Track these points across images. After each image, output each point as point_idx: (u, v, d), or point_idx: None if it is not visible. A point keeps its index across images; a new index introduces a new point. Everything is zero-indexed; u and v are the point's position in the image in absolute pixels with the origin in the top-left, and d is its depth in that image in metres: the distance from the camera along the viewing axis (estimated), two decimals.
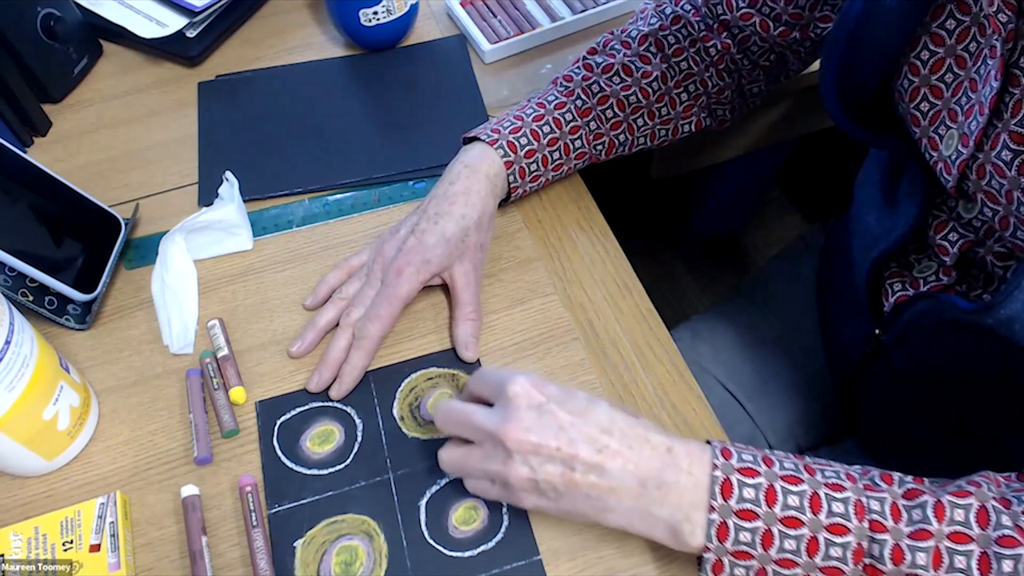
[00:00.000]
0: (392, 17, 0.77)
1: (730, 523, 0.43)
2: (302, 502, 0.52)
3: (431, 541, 0.51)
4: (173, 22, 0.78)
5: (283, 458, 0.54)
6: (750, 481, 0.43)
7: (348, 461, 0.54)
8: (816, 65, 0.69)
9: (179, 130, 0.75)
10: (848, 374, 0.67)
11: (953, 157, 0.47)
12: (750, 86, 0.67)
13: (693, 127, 0.68)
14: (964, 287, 0.54)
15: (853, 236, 0.64)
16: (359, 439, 0.55)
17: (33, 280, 0.58)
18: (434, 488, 0.53)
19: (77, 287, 0.58)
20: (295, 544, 0.51)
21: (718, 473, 0.43)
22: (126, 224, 0.65)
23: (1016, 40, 0.42)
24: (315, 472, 0.54)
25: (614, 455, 0.44)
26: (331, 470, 0.54)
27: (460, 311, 0.59)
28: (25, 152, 0.65)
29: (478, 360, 0.59)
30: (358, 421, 0.56)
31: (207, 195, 0.69)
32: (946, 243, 0.53)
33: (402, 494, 0.52)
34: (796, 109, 0.91)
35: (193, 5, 0.78)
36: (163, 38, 0.77)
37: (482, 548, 0.50)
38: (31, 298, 0.58)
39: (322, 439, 0.55)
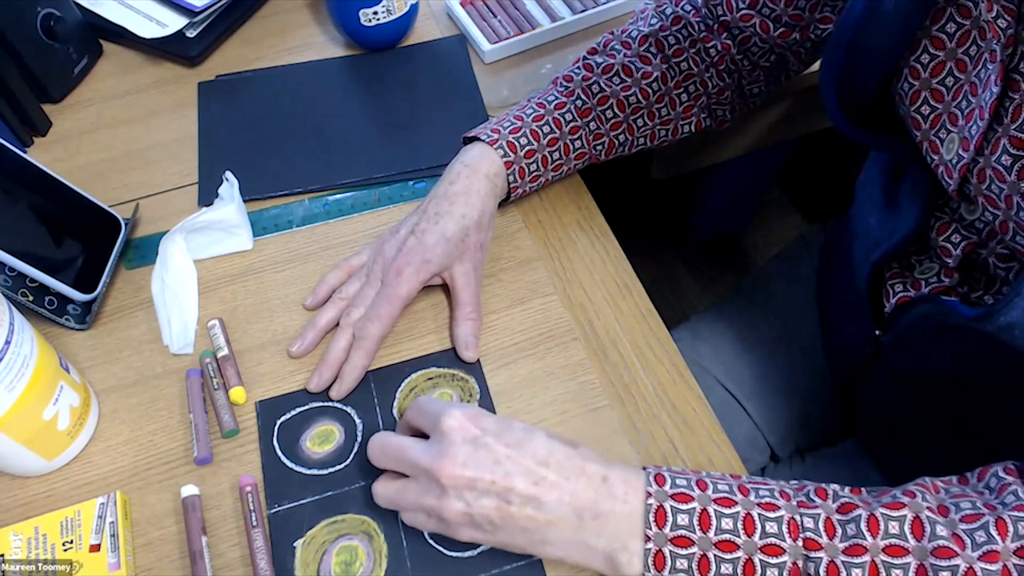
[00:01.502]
0: (392, 17, 0.77)
1: (666, 551, 0.42)
2: (302, 502, 0.52)
3: (431, 541, 0.51)
4: (173, 22, 0.78)
5: (283, 458, 0.54)
6: (683, 507, 0.43)
7: (348, 461, 0.54)
8: (816, 65, 0.69)
9: (179, 130, 0.75)
10: (848, 374, 0.67)
11: (954, 161, 0.47)
12: (750, 87, 0.67)
13: (693, 127, 0.68)
14: (965, 288, 0.54)
15: (854, 237, 0.64)
16: (359, 439, 0.55)
17: (33, 280, 0.58)
18: None
19: (77, 287, 0.58)
20: (295, 544, 0.51)
21: (652, 501, 0.43)
22: (126, 224, 0.65)
23: (1016, 45, 0.42)
24: (315, 472, 0.54)
25: (551, 487, 0.44)
26: (331, 470, 0.54)
27: (460, 311, 0.59)
28: (25, 152, 0.65)
29: (478, 360, 0.59)
30: (358, 421, 0.56)
31: (207, 195, 0.69)
32: (949, 245, 0.53)
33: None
34: (796, 109, 0.91)
35: (193, 5, 0.78)
36: (163, 38, 0.77)
37: (482, 548, 0.50)
38: (31, 298, 0.58)
39: (322, 439, 0.55)
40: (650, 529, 0.42)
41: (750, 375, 0.75)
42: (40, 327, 0.58)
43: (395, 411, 0.56)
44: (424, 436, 0.48)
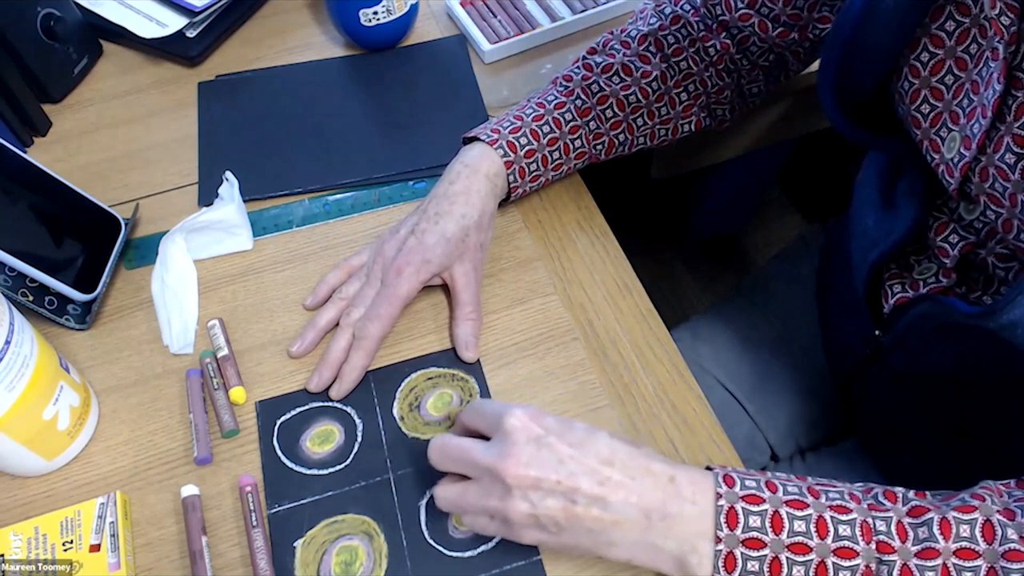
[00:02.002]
0: (392, 17, 0.77)
1: (737, 553, 0.42)
2: (302, 502, 0.52)
3: (431, 541, 0.51)
4: (173, 22, 0.78)
5: (283, 458, 0.54)
6: (755, 508, 0.42)
7: (348, 461, 0.54)
8: (816, 65, 0.69)
9: (179, 130, 0.75)
10: (848, 374, 0.67)
11: (955, 160, 0.47)
12: (749, 86, 0.67)
13: (693, 127, 0.68)
14: (963, 289, 0.54)
15: (852, 237, 0.64)
16: (359, 439, 0.55)
17: (33, 280, 0.58)
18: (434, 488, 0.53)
19: (77, 287, 0.58)
20: (295, 544, 0.51)
21: (722, 502, 0.42)
22: (126, 224, 0.65)
23: (1019, 43, 0.42)
24: (315, 472, 0.54)
25: (616, 487, 0.43)
26: (331, 470, 0.54)
27: (460, 311, 0.59)
28: (25, 152, 0.65)
29: (478, 360, 0.59)
30: (358, 421, 0.56)
31: (207, 195, 0.69)
32: (947, 245, 0.53)
33: (402, 494, 0.52)
34: (796, 109, 0.91)
35: (193, 5, 0.78)
36: (163, 38, 0.77)
37: (482, 548, 0.50)
38: (31, 298, 0.58)
39: (322, 439, 0.55)
40: (721, 531, 0.42)
41: (750, 375, 0.75)
42: (40, 327, 0.58)
43: (395, 411, 0.56)
44: (483, 438, 0.47)
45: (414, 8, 0.78)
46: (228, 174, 0.66)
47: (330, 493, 0.53)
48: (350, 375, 0.56)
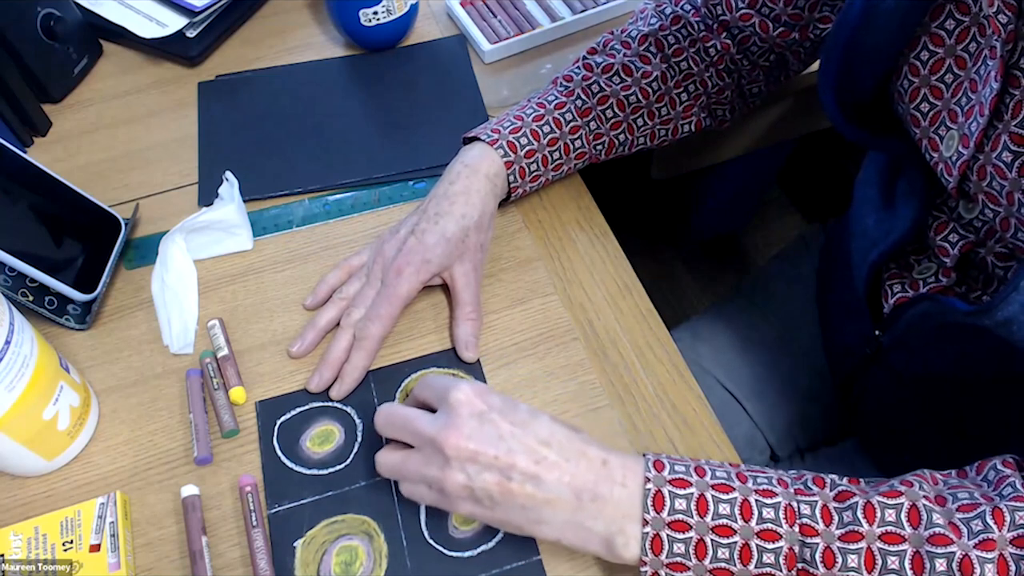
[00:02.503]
0: (392, 17, 0.77)
1: (663, 535, 0.43)
2: (302, 502, 0.52)
3: (431, 541, 0.51)
4: (173, 22, 0.78)
5: (283, 458, 0.54)
6: (681, 492, 0.43)
7: (348, 461, 0.54)
8: (816, 65, 0.69)
9: (179, 130, 0.75)
10: (848, 374, 0.67)
11: (954, 158, 0.47)
12: (750, 86, 0.67)
13: (693, 127, 0.68)
14: (963, 288, 0.54)
15: (852, 237, 0.64)
16: (359, 439, 0.55)
17: (33, 280, 0.58)
18: None
19: (77, 287, 0.58)
20: (295, 544, 0.51)
21: (650, 486, 0.43)
22: (126, 224, 0.65)
23: (1016, 41, 0.42)
24: (315, 472, 0.54)
25: (551, 467, 0.44)
26: (331, 470, 0.54)
27: (460, 311, 0.59)
28: (25, 152, 0.65)
29: (478, 360, 0.59)
30: (358, 421, 0.56)
31: (207, 195, 0.69)
32: (946, 244, 0.53)
33: (402, 494, 0.52)
34: (796, 109, 0.91)
35: (193, 5, 0.78)
36: (163, 38, 0.77)
37: (482, 548, 0.50)
38: (31, 298, 0.58)
39: (322, 439, 0.55)
40: (648, 513, 0.43)
41: (750, 375, 0.75)
42: (40, 327, 0.58)
43: None
44: (431, 411, 0.48)
45: (414, 8, 0.78)
46: (228, 174, 0.66)
47: (330, 493, 0.53)
48: (351, 375, 0.56)
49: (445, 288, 0.62)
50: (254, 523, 0.50)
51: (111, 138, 0.74)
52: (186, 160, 0.72)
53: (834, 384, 0.72)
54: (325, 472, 0.53)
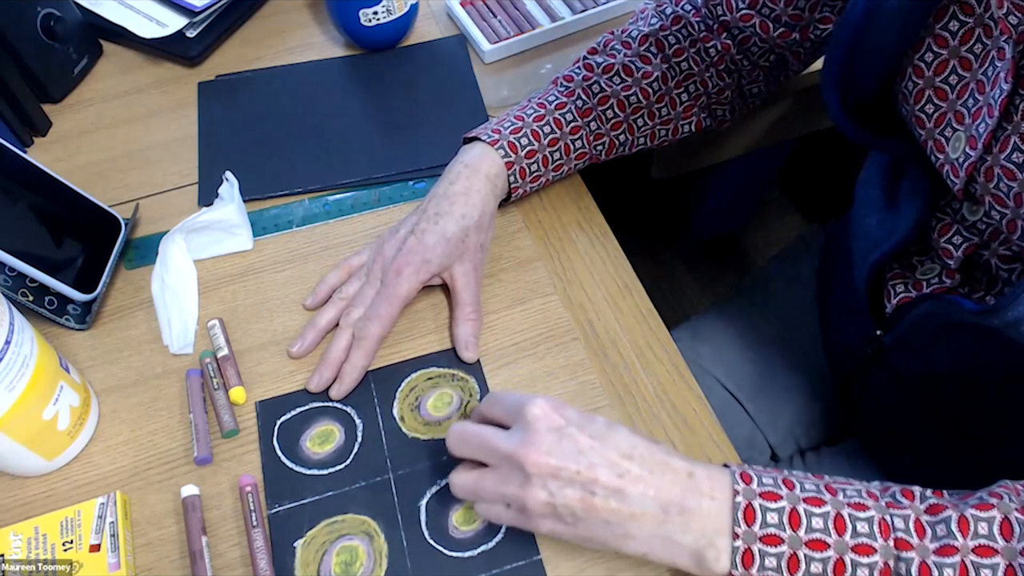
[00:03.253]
0: (392, 17, 0.77)
1: (755, 549, 0.42)
2: (302, 502, 0.52)
3: (431, 541, 0.51)
4: (173, 22, 0.78)
5: (283, 458, 0.54)
6: (772, 505, 0.42)
7: (348, 461, 0.54)
8: (816, 65, 0.69)
9: (179, 130, 0.75)
10: (848, 374, 0.67)
11: (960, 160, 0.47)
12: (750, 86, 0.67)
13: (693, 127, 0.68)
14: (966, 290, 0.54)
15: (853, 237, 0.64)
16: (359, 439, 0.55)
17: (33, 280, 0.58)
18: (434, 488, 0.53)
19: (77, 287, 0.58)
20: (295, 544, 0.51)
21: (740, 499, 0.42)
22: (126, 224, 0.65)
23: None
24: (315, 472, 0.54)
25: (635, 480, 0.43)
26: (331, 470, 0.54)
27: (460, 311, 0.59)
28: (25, 152, 0.65)
29: (478, 360, 0.59)
30: (358, 421, 0.56)
31: (207, 195, 0.69)
32: (950, 246, 0.53)
33: (402, 494, 0.52)
34: (796, 109, 0.91)
35: (193, 5, 0.78)
36: (163, 38, 0.77)
37: (482, 548, 0.50)
38: (31, 298, 0.58)
39: (322, 439, 0.55)
40: (739, 527, 0.42)
41: (750, 375, 0.75)
42: (40, 327, 0.58)
43: (395, 411, 0.56)
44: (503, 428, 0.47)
45: (414, 8, 0.78)
46: (228, 174, 0.66)
47: (330, 493, 0.53)
48: (350, 375, 0.56)
49: (445, 288, 0.62)
50: (254, 523, 0.50)
51: (111, 138, 0.74)
52: (186, 160, 0.72)
53: (834, 384, 0.72)
54: (325, 472, 0.53)
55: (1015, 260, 0.49)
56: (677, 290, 1.43)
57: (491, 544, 0.50)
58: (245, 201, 0.67)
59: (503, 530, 0.51)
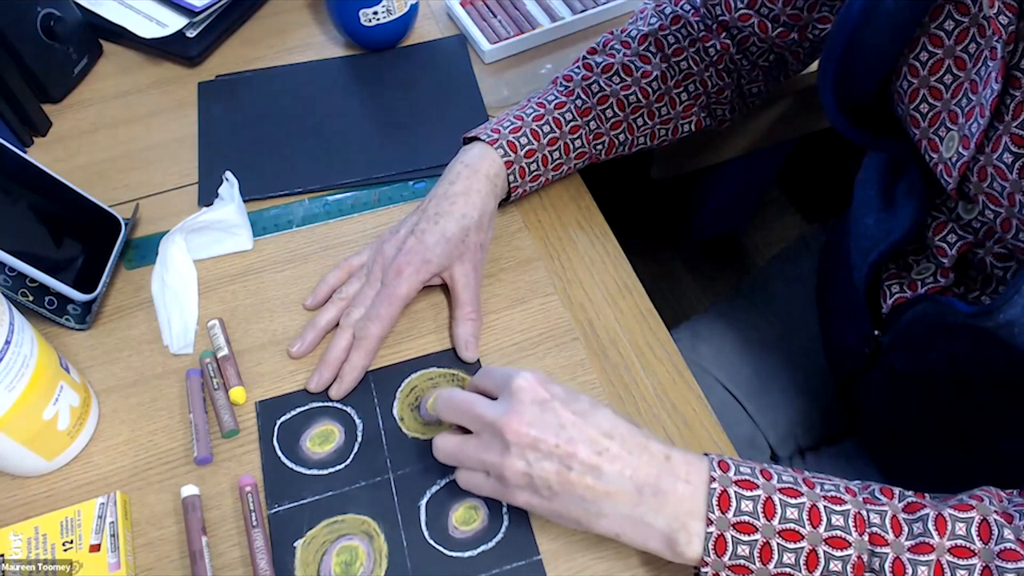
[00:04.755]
0: (392, 17, 0.77)
1: (728, 536, 0.42)
2: (302, 502, 0.52)
3: (431, 541, 0.51)
4: (173, 22, 0.78)
5: (283, 458, 0.54)
6: (748, 493, 0.43)
7: (348, 461, 0.54)
8: (816, 65, 0.69)
9: (179, 130, 0.75)
10: (848, 374, 0.67)
11: (954, 159, 0.47)
12: (749, 86, 0.67)
13: (693, 127, 0.68)
14: (962, 289, 0.54)
15: (852, 237, 0.64)
16: (359, 439, 0.55)
17: (33, 280, 0.58)
18: (434, 488, 0.53)
19: (77, 287, 0.58)
20: (295, 544, 0.51)
21: (715, 485, 0.43)
22: (126, 224, 0.65)
23: (1017, 42, 0.42)
24: (315, 472, 0.54)
25: (613, 459, 0.44)
26: (331, 470, 0.54)
27: (460, 311, 0.59)
28: (25, 152, 0.65)
29: (478, 360, 0.59)
30: (358, 421, 0.56)
31: (207, 195, 0.69)
32: (944, 245, 0.53)
33: (402, 494, 0.52)
34: (796, 109, 0.91)
35: (193, 5, 0.78)
36: (163, 38, 0.77)
37: (482, 548, 0.50)
38: (31, 298, 0.58)
39: (322, 439, 0.55)
40: (712, 512, 0.42)
41: (750, 375, 0.75)
42: (40, 327, 0.58)
43: (395, 411, 0.56)
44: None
45: (414, 8, 0.78)
46: (228, 174, 0.67)
47: (330, 493, 0.53)
48: (350, 375, 0.56)
49: (445, 288, 0.62)
50: (254, 523, 0.50)
51: (111, 138, 0.74)
52: (186, 160, 0.72)
53: (834, 384, 0.72)
54: (325, 472, 0.53)
55: (1010, 259, 0.49)
56: (677, 290, 1.43)
57: (491, 544, 0.50)
58: (245, 201, 0.67)
59: (503, 530, 0.51)
